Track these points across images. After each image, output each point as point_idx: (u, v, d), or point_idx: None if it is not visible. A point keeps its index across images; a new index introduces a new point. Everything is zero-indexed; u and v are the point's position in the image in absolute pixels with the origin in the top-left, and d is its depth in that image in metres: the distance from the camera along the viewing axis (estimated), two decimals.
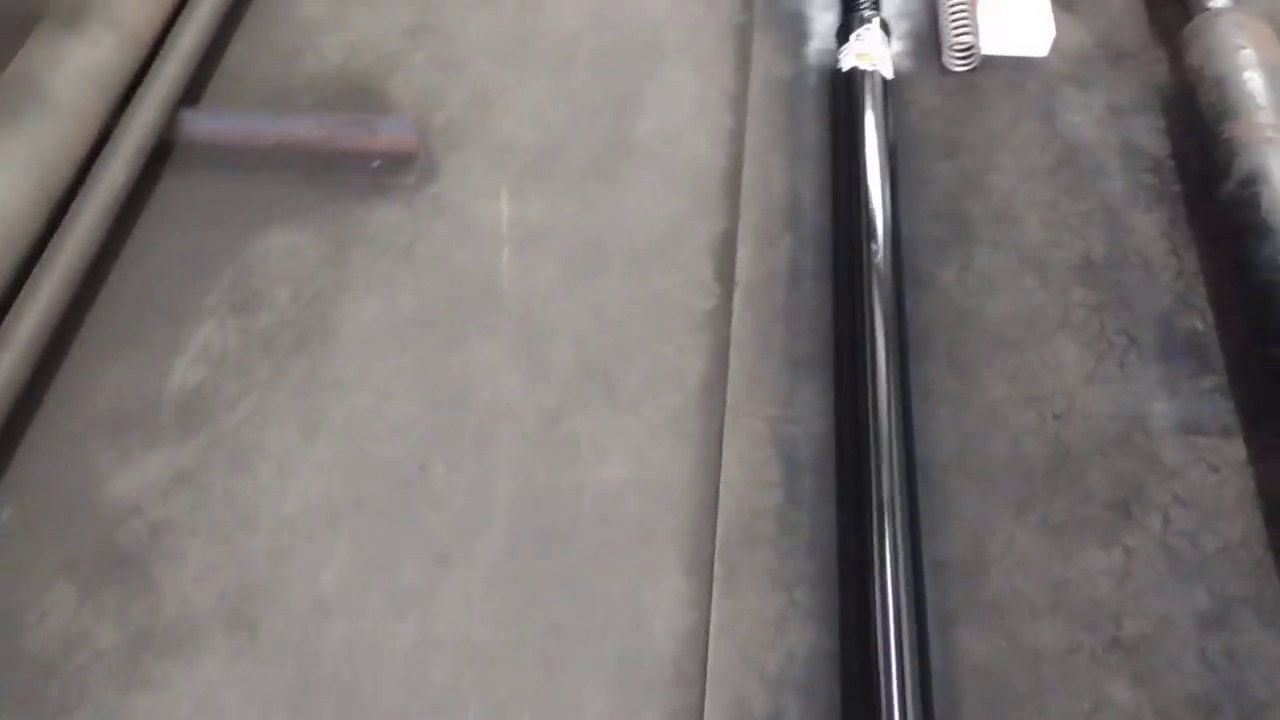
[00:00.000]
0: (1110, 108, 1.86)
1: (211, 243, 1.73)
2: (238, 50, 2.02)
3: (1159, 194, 1.74)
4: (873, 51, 1.82)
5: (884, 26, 1.89)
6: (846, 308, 1.57)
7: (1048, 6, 1.95)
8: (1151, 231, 1.69)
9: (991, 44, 1.92)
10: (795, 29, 2.01)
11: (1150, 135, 1.82)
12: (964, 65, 1.92)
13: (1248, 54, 1.65)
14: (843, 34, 1.89)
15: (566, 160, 1.84)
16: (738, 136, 1.85)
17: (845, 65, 1.82)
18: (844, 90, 1.82)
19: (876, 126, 1.73)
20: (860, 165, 1.69)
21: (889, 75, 1.82)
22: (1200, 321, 1.58)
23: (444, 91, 1.95)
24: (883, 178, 1.67)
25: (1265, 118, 1.57)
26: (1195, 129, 1.71)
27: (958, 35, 1.90)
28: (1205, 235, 1.67)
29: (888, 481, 1.36)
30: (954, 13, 1.92)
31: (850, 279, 1.59)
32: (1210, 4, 1.77)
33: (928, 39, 1.98)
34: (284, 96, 1.93)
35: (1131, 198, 1.74)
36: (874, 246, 1.58)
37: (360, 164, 1.82)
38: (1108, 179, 1.76)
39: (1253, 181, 1.52)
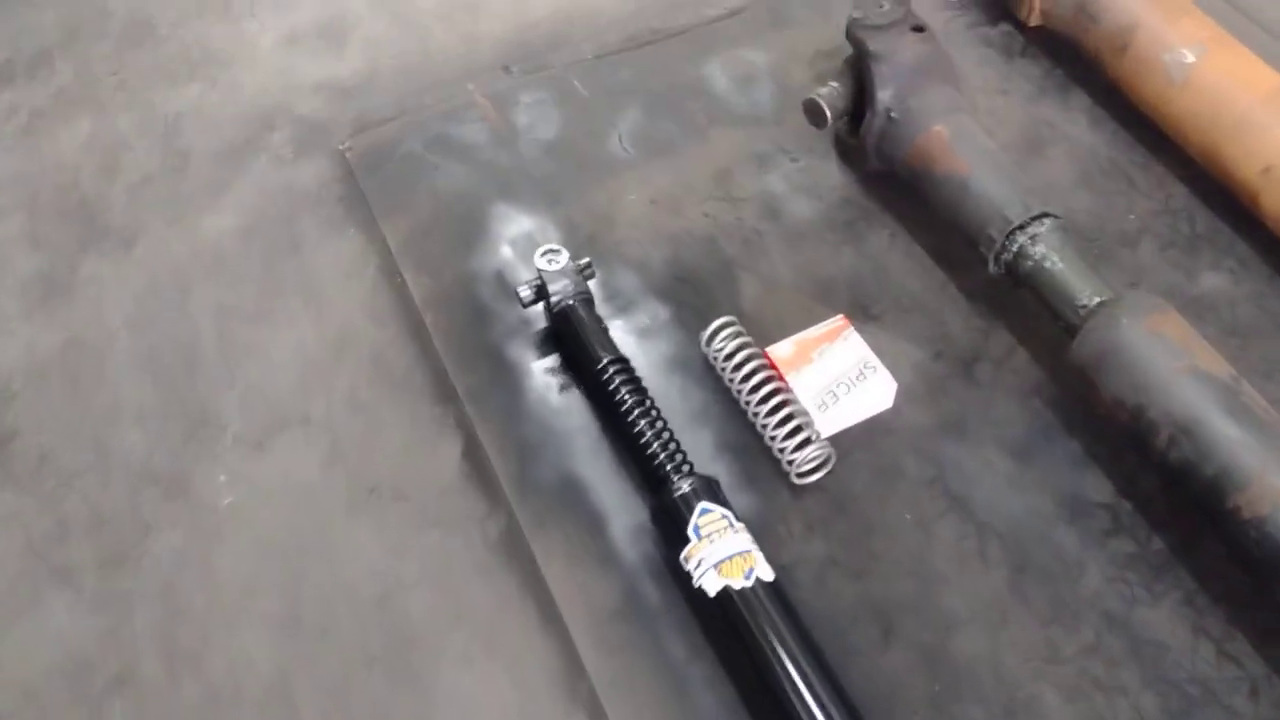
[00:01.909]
0: (1010, 451, 1.41)
1: None
2: None
3: (1150, 577, 1.31)
4: (736, 549, 1.25)
5: (715, 494, 1.30)
6: None
7: (868, 351, 1.46)
8: (1169, 619, 1.26)
9: (833, 423, 1.41)
10: (576, 512, 1.39)
11: (1078, 475, 1.38)
12: (818, 474, 1.39)
13: (1197, 382, 1.23)
14: (672, 532, 1.29)
15: None
16: None
17: (710, 587, 1.23)
18: (721, 618, 1.23)
19: (799, 660, 1.17)
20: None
21: (769, 575, 1.25)
22: None
23: None
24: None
25: (1277, 477, 1.16)
26: (1182, 494, 1.27)
27: (798, 449, 1.37)
28: (1258, 639, 1.26)
29: None
30: (781, 421, 1.38)
31: None
32: (1084, 299, 1.34)
33: (752, 450, 1.43)
34: None
35: (1123, 595, 1.30)
36: None
37: None
38: (1082, 573, 1.31)
39: None
